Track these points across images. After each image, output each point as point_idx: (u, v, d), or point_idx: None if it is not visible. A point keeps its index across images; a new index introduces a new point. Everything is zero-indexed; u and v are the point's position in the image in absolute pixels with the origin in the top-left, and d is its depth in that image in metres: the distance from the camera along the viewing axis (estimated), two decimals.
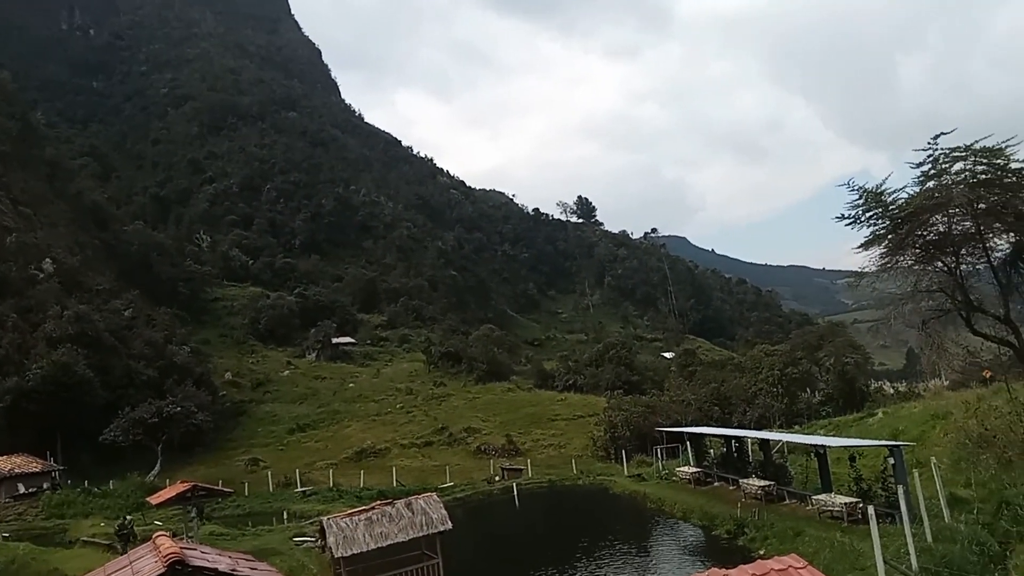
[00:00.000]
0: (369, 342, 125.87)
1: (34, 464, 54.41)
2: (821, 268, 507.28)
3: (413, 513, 25.22)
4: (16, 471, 52.46)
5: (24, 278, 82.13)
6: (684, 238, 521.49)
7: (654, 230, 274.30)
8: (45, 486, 52.58)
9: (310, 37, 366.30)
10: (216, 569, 11.57)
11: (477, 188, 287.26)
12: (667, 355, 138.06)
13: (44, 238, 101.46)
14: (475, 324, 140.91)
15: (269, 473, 57.90)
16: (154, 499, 35.84)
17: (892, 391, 64.04)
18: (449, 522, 25.01)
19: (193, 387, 75.09)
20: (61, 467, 57.07)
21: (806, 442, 33.94)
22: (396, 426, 74.46)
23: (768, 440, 36.02)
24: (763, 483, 32.62)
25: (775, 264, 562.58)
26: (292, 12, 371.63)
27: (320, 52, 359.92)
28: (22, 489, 51.51)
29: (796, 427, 50.59)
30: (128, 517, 35.79)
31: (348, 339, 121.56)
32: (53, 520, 45.78)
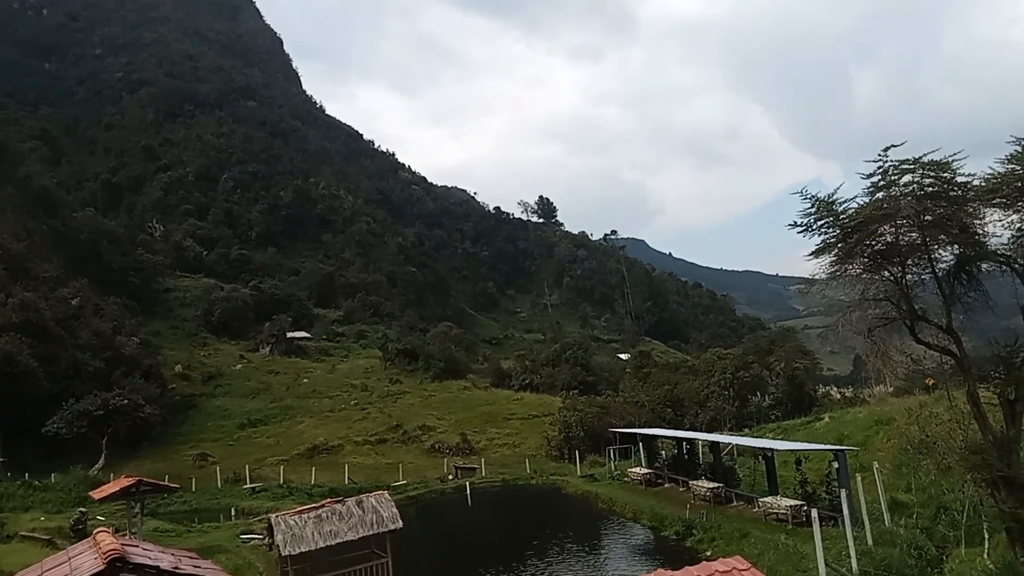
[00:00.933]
0: (325, 337, 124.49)
1: None
2: (775, 274, 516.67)
3: (364, 511, 25.00)
4: None
5: None
6: (643, 241, 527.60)
7: (614, 232, 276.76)
8: None
9: (271, 26, 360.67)
10: (158, 567, 11.28)
11: (439, 185, 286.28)
12: (623, 356, 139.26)
13: None
14: (433, 321, 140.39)
15: (218, 469, 56.89)
16: (97, 494, 34.86)
17: (839, 396, 65.67)
18: (400, 521, 24.85)
19: (141, 379, 73.35)
20: (1, 459, 55.24)
21: (755, 445, 34.62)
22: (350, 423, 73.78)
23: (718, 443, 36.64)
24: (712, 485, 33.15)
25: (731, 269, 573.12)
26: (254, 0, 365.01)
27: (282, 41, 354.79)
28: None
29: (746, 430, 51.52)
30: (82, 510, 34.83)
31: (303, 334, 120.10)
32: None
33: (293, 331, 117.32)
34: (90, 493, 38.59)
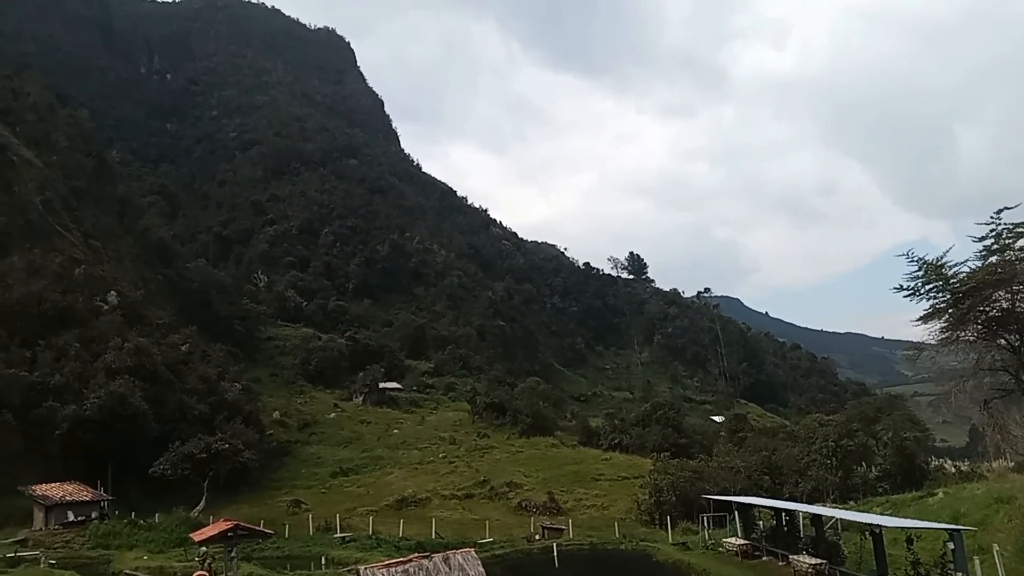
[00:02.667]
0: (415, 388, 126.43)
1: (85, 493, 55.49)
2: (880, 337, 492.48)
3: (450, 569, 24.86)
4: (67, 498, 53.60)
5: (89, 309, 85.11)
6: (737, 299, 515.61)
7: (707, 290, 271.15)
8: (93, 515, 53.51)
9: (373, 88, 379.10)
10: None
11: (529, 240, 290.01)
12: (717, 419, 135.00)
13: (111, 271, 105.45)
14: (521, 376, 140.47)
15: (310, 516, 57.93)
16: (197, 535, 36.11)
17: (953, 470, 61.15)
18: None
19: (242, 425, 76.18)
20: (110, 497, 57.98)
21: (861, 520, 32.55)
22: (438, 476, 74.00)
23: (821, 515, 34.66)
24: (814, 561, 31.31)
25: (831, 330, 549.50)
26: (358, 64, 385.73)
27: (382, 103, 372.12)
28: (71, 517, 52.55)
29: (851, 503, 48.64)
30: (204, 550, 36.01)
31: (395, 384, 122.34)
32: (99, 550, 46.57)
33: (385, 381, 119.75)
34: (191, 535, 40.03)
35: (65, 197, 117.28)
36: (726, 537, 41.52)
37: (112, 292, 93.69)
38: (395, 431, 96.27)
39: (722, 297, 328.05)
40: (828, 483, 55.07)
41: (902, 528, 29.20)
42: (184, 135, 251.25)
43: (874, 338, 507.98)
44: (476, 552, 28.09)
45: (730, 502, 43.24)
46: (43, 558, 41.92)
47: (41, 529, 51.21)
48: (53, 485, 54.73)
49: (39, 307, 77.90)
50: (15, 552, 42.79)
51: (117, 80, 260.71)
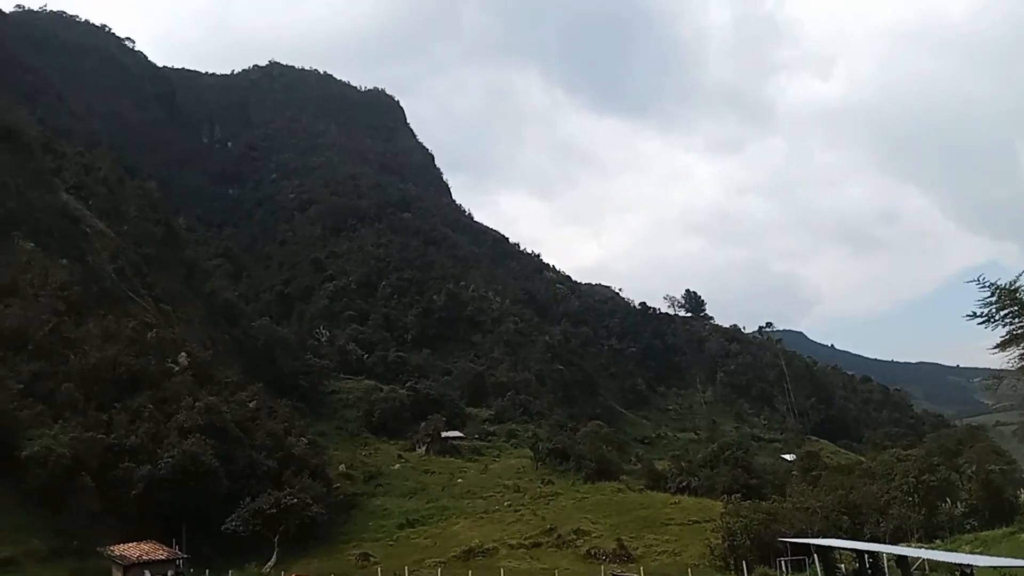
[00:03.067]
0: (477, 436, 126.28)
1: (160, 551, 56.57)
2: (955, 365, 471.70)
3: None
4: (144, 558, 54.70)
5: (161, 371, 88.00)
6: (801, 332, 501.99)
7: (768, 324, 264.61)
8: (169, 573, 54.44)
9: (423, 143, 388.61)
10: None
11: (583, 283, 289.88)
12: (787, 457, 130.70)
13: (180, 333, 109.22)
14: (583, 420, 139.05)
15: (379, 569, 57.94)
16: None
17: None
18: None
19: (309, 479, 77.04)
20: (185, 555, 59.01)
21: (950, 560, 31.03)
22: (504, 525, 73.28)
23: (907, 556, 33.15)
24: None
25: (903, 361, 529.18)
26: (407, 121, 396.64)
27: (433, 157, 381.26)
28: None
29: (937, 541, 46.43)
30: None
31: (457, 433, 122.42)
32: None
33: (447, 430, 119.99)
34: None
35: (136, 264, 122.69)
36: None
37: (182, 353, 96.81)
38: (459, 480, 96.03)
39: (785, 331, 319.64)
40: (911, 521, 52.69)
41: (995, 567, 27.69)
42: (245, 199, 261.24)
43: (949, 367, 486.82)
44: None
45: (808, 544, 41.72)
46: None
47: None
48: (130, 545, 55.99)
49: (114, 371, 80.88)
50: None
51: (181, 151, 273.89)
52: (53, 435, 63.43)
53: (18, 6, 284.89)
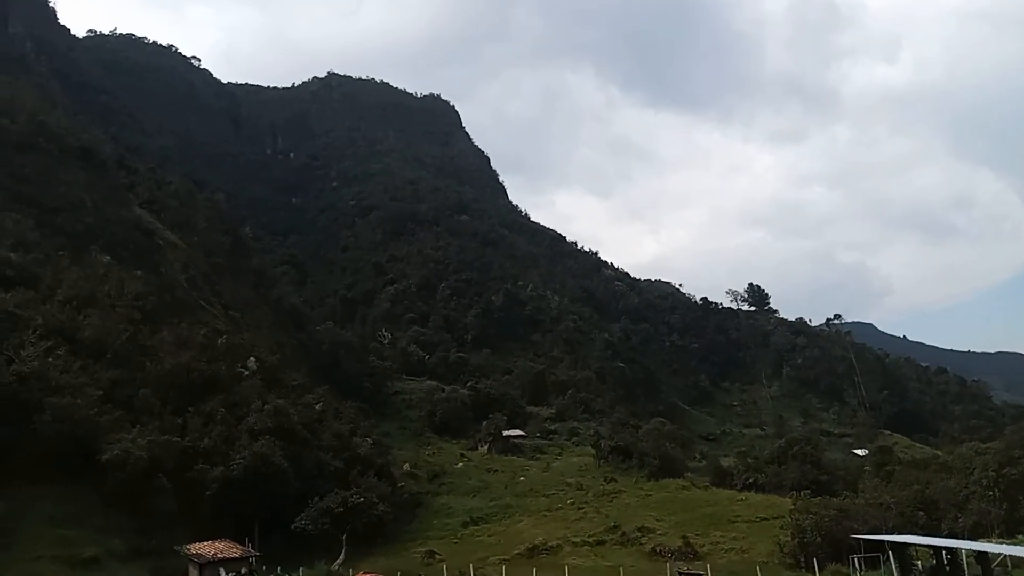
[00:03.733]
0: (538, 435, 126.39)
1: (234, 549, 58.40)
2: None
3: None
4: (219, 556, 56.57)
5: (232, 375, 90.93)
6: (870, 324, 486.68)
7: (836, 316, 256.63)
8: (244, 571, 56.11)
9: (479, 146, 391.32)
10: None
11: (642, 279, 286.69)
12: (859, 452, 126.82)
13: (249, 339, 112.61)
14: (645, 417, 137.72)
15: (444, 566, 58.51)
16: None
17: None
18: None
19: (375, 478, 78.39)
20: (257, 553, 60.74)
21: None
22: (567, 522, 73.13)
23: (987, 552, 31.78)
24: None
25: (980, 351, 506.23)
26: (463, 125, 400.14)
27: (488, 159, 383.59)
28: (223, 573, 55.38)
29: (1020, 537, 44.31)
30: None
31: (518, 432, 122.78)
32: None
33: (508, 429, 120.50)
34: None
35: (206, 273, 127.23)
36: None
37: (251, 358, 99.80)
38: (521, 478, 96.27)
39: (854, 323, 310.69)
40: (992, 517, 50.44)
41: None
42: (308, 207, 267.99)
43: None
44: None
45: (883, 541, 40.38)
46: None
47: None
48: (205, 544, 57.97)
49: (188, 376, 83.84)
50: None
51: (247, 163, 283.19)
52: (131, 439, 66.01)
53: (90, 31, 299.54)
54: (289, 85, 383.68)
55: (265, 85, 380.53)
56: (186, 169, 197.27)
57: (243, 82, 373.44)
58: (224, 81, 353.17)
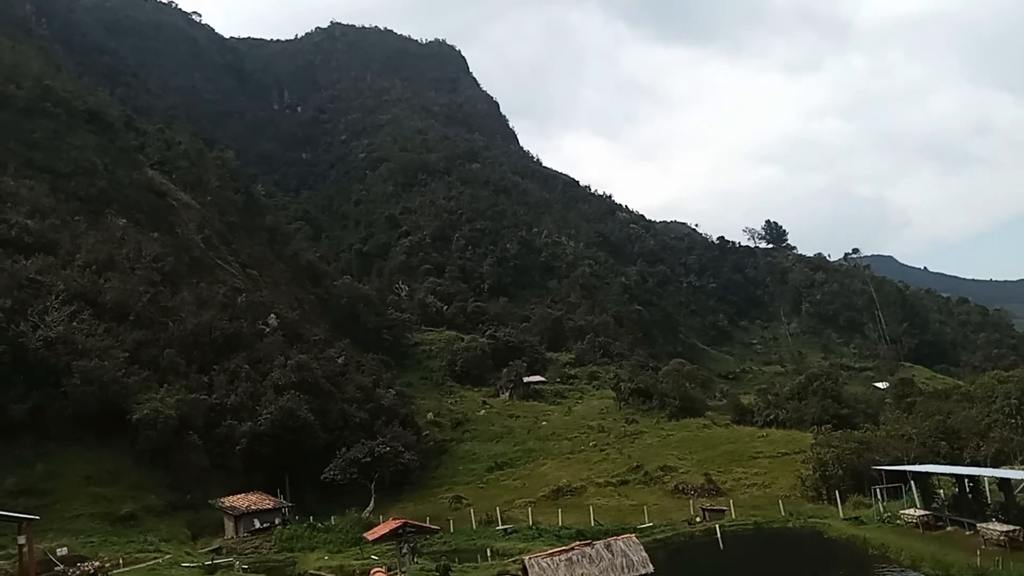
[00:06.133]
0: (559, 380, 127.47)
1: (267, 501, 60.12)
2: None
3: (613, 555, 25.00)
4: (252, 508, 58.28)
5: (253, 333, 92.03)
6: (890, 257, 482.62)
7: (855, 251, 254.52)
8: (276, 522, 57.85)
9: (488, 91, 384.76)
10: None
11: (657, 221, 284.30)
12: (880, 385, 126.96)
13: (268, 296, 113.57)
14: (664, 359, 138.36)
15: (471, 511, 59.81)
16: (370, 535, 38.16)
17: None
18: (650, 565, 24.51)
19: (400, 428, 79.73)
20: (289, 504, 62.52)
21: None
22: (590, 464, 74.25)
23: (1010, 479, 31.89)
24: (1006, 528, 28.88)
25: (1002, 280, 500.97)
26: (470, 70, 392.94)
27: (498, 105, 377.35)
28: (257, 524, 57.08)
29: None
30: (444, 559, 38.23)
31: (538, 378, 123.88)
32: (284, 553, 50.30)
33: (529, 376, 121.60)
34: (364, 535, 42.43)
35: (221, 232, 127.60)
36: (903, 509, 39.06)
37: (272, 315, 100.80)
38: (543, 423, 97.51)
39: (873, 256, 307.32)
40: (1014, 444, 50.51)
41: None
42: (319, 161, 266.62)
43: None
44: (637, 537, 28.06)
45: (905, 472, 40.67)
46: (237, 563, 45.80)
47: (232, 537, 55.96)
48: (239, 496, 59.65)
49: (210, 335, 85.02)
50: (212, 560, 46.99)
51: (254, 119, 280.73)
52: (160, 398, 67.45)
53: None
54: (292, 37, 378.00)
55: (268, 39, 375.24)
56: (194, 128, 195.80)
57: (245, 36, 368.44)
58: (227, 36, 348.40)
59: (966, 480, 34.78)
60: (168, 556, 47.62)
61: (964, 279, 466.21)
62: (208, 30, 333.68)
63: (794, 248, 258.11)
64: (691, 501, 56.63)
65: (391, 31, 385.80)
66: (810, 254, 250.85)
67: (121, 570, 41.90)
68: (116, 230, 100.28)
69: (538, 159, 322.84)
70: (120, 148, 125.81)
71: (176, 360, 78.43)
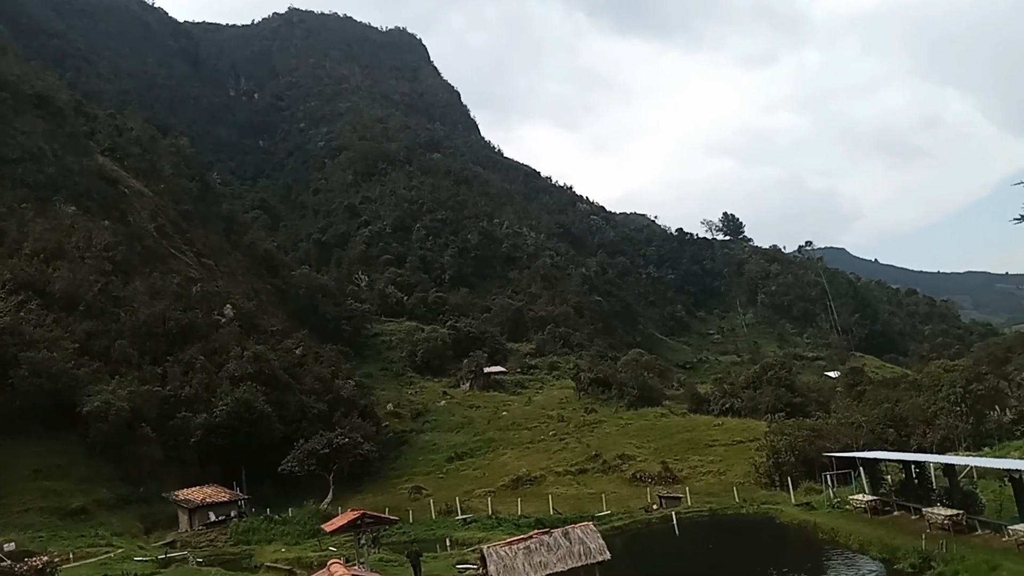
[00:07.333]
0: (519, 370, 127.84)
1: (223, 494, 59.30)
2: (1004, 272, 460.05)
3: (570, 543, 25.26)
4: (207, 500, 57.43)
5: (209, 323, 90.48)
6: (842, 249, 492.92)
7: (808, 243, 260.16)
8: (232, 514, 57.14)
9: (449, 81, 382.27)
10: None
11: (617, 212, 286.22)
12: (831, 374, 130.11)
13: (224, 286, 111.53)
14: (623, 349, 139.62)
15: (431, 501, 59.86)
16: (328, 526, 38.01)
17: None
18: (607, 552, 24.81)
19: (359, 419, 79.28)
20: (246, 496, 61.79)
21: (999, 466, 30.89)
22: (550, 453, 74.80)
23: (954, 464, 32.98)
24: (950, 512, 29.89)
25: (949, 271, 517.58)
26: (431, 59, 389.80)
27: (459, 94, 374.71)
28: (213, 517, 56.30)
29: (986, 449, 46.13)
30: (415, 546, 38.06)
31: (499, 368, 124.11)
32: (240, 546, 49.71)
33: (489, 366, 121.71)
34: (322, 526, 42.20)
35: (175, 221, 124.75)
36: (852, 494, 40.15)
37: (228, 305, 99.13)
38: (504, 413, 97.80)
39: (826, 248, 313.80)
40: (959, 431, 52.26)
41: None
42: (276, 150, 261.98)
43: (997, 274, 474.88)
44: (595, 525, 28.39)
45: (854, 458, 41.76)
46: (191, 557, 45.13)
47: (186, 531, 55.13)
48: (194, 489, 58.73)
49: (164, 326, 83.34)
50: (166, 553, 46.22)
51: (209, 105, 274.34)
52: (111, 390, 66.00)
53: None
54: (248, 22, 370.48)
55: (223, 23, 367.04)
56: (147, 114, 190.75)
57: (200, 20, 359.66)
58: (181, 20, 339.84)
59: (912, 466, 35.86)
60: (120, 550, 46.71)
61: (913, 271, 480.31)
62: (161, 13, 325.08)
63: (750, 240, 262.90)
64: (648, 489, 57.45)
65: (350, 18, 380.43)
66: (766, 246, 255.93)
67: (71, 565, 40.95)
68: (65, 218, 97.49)
69: (499, 149, 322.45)
70: (69, 134, 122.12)
71: (128, 351, 76.77)
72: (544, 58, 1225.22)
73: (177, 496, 57.76)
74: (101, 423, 62.72)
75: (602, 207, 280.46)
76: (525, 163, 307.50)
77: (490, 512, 53.79)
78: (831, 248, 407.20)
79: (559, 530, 26.38)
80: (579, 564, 24.63)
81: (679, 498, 52.20)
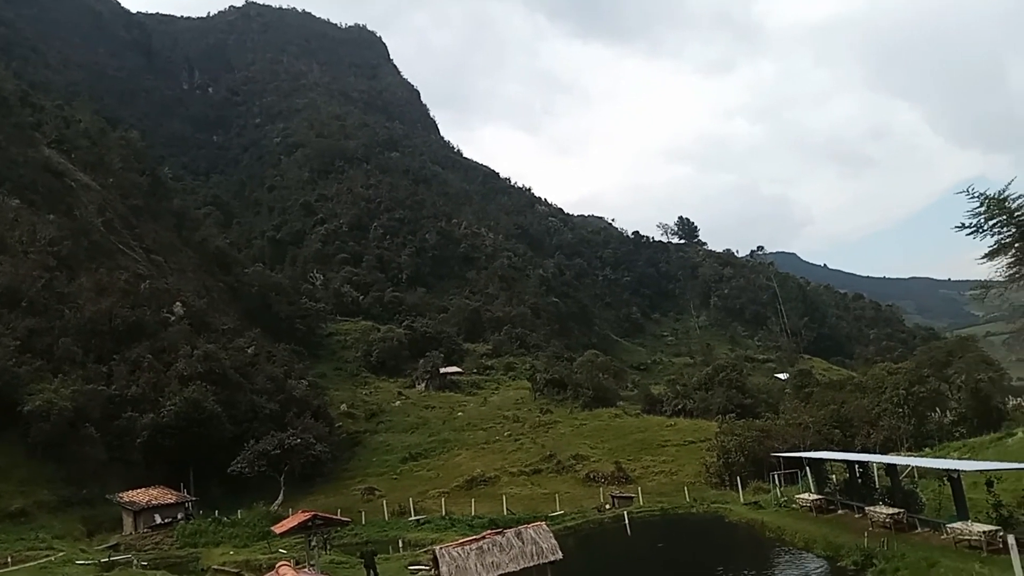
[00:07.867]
0: (475, 371, 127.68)
1: (169, 496, 57.94)
2: (946, 279, 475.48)
3: (523, 543, 25.30)
4: (153, 502, 56.06)
5: (158, 321, 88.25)
6: (793, 254, 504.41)
7: (760, 248, 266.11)
8: (179, 516, 55.87)
9: (408, 79, 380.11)
10: None
11: (575, 215, 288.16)
12: (781, 376, 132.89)
13: (174, 283, 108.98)
14: (579, 350, 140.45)
15: (384, 502, 59.37)
16: (278, 528, 37.39)
17: None
18: (559, 552, 24.92)
19: (311, 419, 78.19)
20: (193, 498, 60.45)
21: (938, 466, 31.82)
22: (505, 454, 74.91)
23: (895, 464, 33.90)
24: (892, 511, 30.72)
25: (895, 277, 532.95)
26: (391, 57, 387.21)
27: (419, 93, 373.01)
28: (159, 519, 54.98)
29: (926, 450, 47.54)
30: (370, 546, 37.47)
31: (455, 368, 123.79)
32: (187, 549, 48.61)
33: (445, 367, 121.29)
34: (272, 528, 41.50)
35: (124, 216, 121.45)
36: (799, 494, 41.04)
37: (177, 303, 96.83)
38: (459, 414, 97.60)
39: (777, 253, 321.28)
40: (901, 432, 53.87)
41: (981, 471, 28.35)
42: (231, 145, 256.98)
43: (940, 280, 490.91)
44: (548, 525, 28.50)
45: (801, 458, 42.67)
46: (135, 560, 44.01)
47: (131, 533, 53.67)
48: (139, 491, 57.25)
49: (110, 323, 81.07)
50: (108, 557, 44.97)
51: (162, 98, 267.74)
52: (54, 389, 64.00)
53: None
54: (204, 15, 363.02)
55: (177, 15, 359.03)
56: (97, 106, 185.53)
57: (153, 12, 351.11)
58: (133, 11, 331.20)
59: (856, 466, 36.80)
60: (61, 554, 45.29)
61: (860, 276, 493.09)
62: (113, 3, 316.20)
63: (705, 244, 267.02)
64: (601, 489, 57.94)
65: (309, 14, 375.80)
66: (720, 250, 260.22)
67: (9, 569, 39.63)
68: (8, 211, 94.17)
69: (459, 150, 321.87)
70: (15, 124, 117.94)
71: (72, 349, 74.55)
72: (505, 60, 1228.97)
73: (121, 498, 56.25)
74: (43, 423, 60.76)
75: (560, 209, 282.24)
76: (484, 164, 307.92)
77: (444, 513, 53.59)
78: (782, 253, 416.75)
79: (512, 530, 26.41)
80: (531, 564, 24.69)
81: (631, 498, 52.76)
